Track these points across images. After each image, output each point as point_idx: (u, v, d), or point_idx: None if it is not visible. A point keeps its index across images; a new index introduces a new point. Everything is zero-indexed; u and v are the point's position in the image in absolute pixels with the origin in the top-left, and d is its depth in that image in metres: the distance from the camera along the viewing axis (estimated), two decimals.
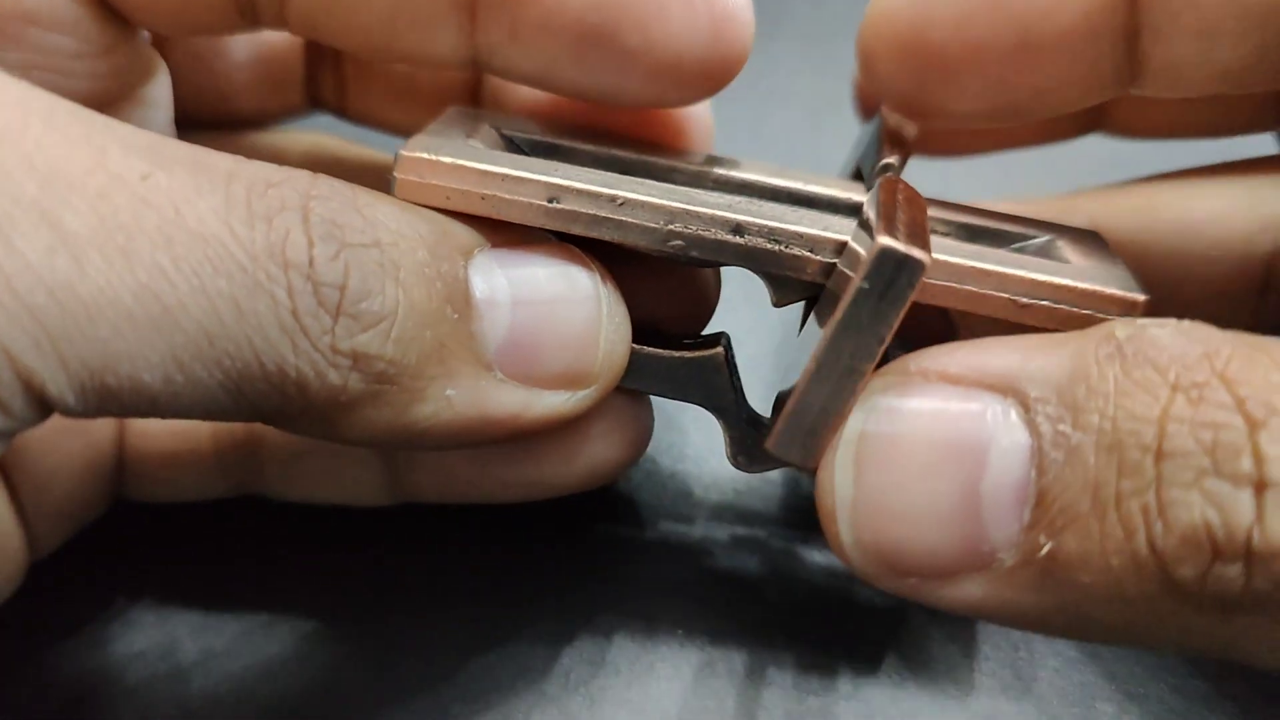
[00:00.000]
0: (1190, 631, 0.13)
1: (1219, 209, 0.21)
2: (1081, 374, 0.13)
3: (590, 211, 0.17)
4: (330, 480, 0.21)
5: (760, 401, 0.20)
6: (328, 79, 0.23)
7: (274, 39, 0.23)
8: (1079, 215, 0.22)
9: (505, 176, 0.17)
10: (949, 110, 0.19)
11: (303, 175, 0.15)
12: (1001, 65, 0.18)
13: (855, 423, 0.15)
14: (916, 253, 0.15)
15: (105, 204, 0.13)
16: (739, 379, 0.20)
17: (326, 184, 0.15)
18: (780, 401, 0.17)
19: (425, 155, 0.17)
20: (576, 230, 0.17)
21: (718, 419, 0.19)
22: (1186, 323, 0.14)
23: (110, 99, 0.19)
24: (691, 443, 0.25)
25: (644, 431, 0.20)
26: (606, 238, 0.17)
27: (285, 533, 0.23)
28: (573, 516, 0.24)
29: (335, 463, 0.21)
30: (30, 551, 0.20)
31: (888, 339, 0.15)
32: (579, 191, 0.17)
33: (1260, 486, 0.12)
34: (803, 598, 0.22)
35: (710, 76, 0.18)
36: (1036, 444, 0.13)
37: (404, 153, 0.17)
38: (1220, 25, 0.16)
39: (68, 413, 0.14)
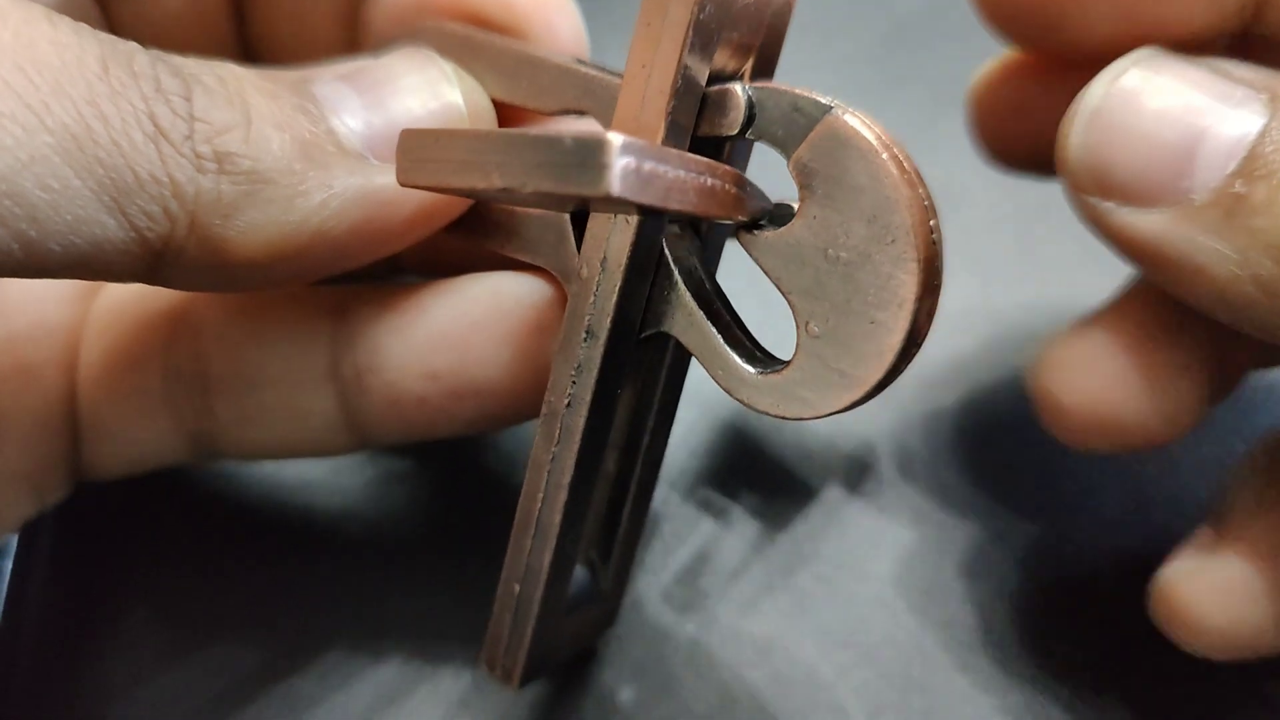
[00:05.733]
0: None
1: None
2: None
3: None
4: (285, 416, 0.20)
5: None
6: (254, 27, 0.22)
7: None
8: None
9: None
10: (1073, 36, 0.18)
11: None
12: None
13: (1129, 61, 0.17)
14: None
15: None
16: None
17: (155, 49, 0.16)
18: None
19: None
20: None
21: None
22: None
23: None
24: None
25: None
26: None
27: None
28: None
29: (287, 388, 0.20)
30: None
31: None
32: None
33: None
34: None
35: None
36: (1269, 123, 0.16)
37: None
38: None
39: None
